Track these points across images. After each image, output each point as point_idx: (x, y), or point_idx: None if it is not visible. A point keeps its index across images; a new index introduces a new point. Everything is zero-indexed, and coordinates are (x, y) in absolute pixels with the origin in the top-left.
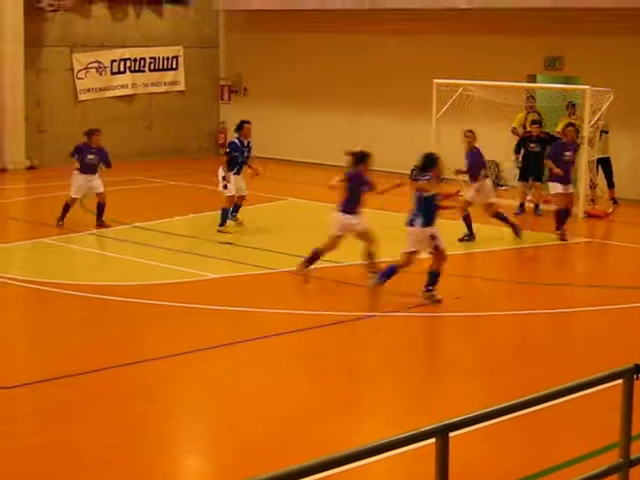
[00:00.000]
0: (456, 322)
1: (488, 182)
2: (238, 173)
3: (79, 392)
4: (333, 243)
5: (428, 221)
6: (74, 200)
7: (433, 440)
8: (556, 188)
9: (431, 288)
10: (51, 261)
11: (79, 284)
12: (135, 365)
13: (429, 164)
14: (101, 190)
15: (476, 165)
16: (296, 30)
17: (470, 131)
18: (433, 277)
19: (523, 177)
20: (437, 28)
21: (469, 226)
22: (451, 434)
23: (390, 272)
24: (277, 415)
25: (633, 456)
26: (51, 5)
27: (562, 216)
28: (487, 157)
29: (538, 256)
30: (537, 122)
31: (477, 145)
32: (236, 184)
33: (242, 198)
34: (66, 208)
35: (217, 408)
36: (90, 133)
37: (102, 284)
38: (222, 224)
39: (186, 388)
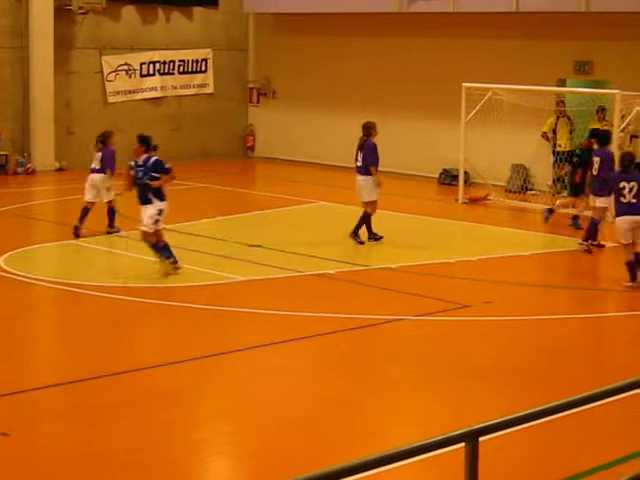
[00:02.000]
0: (486, 326)
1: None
2: (143, 202)
3: (106, 394)
4: None
5: None
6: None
7: (462, 445)
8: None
9: None
10: (79, 262)
11: (106, 286)
12: (161, 367)
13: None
14: None
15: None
16: (325, 33)
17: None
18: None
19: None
20: (467, 32)
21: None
22: (480, 439)
23: None
24: (304, 418)
25: None
26: (81, 8)
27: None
28: (516, 161)
29: (569, 260)
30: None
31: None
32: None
33: (146, 235)
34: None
35: (243, 411)
36: (110, 135)
37: (130, 286)
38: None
39: (212, 391)
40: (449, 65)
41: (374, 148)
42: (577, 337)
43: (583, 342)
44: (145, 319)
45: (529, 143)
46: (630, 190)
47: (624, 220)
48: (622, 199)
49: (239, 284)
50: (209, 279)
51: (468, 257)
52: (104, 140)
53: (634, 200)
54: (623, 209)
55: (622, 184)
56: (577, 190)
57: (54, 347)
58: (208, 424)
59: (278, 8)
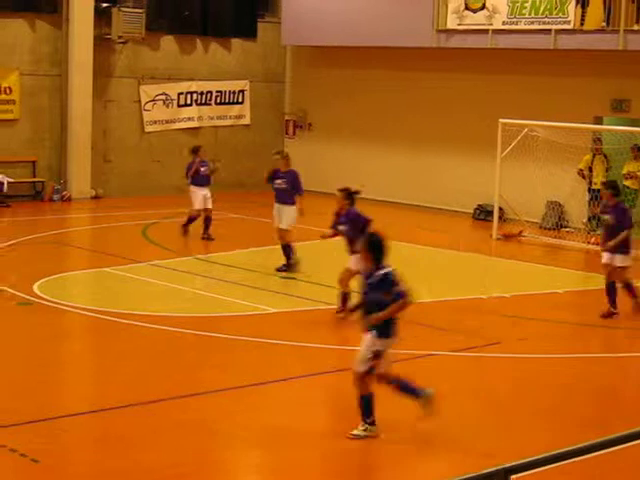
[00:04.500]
0: (518, 363)
1: None
2: None
3: (137, 423)
4: None
5: None
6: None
7: None
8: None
9: None
10: (113, 291)
11: (140, 314)
12: (194, 397)
13: None
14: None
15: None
16: (362, 67)
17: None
18: None
19: None
20: (504, 68)
21: None
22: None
23: None
24: (334, 450)
25: None
26: (120, 37)
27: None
28: (551, 198)
29: (604, 299)
30: None
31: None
32: None
33: None
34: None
35: (274, 442)
36: (198, 149)
37: (162, 315)
38: None
39: (245, 421)
40: (486, 100)
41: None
42: (611, 376)
43: (617, 381)
44: (177, 349)
45: (565, 180)
46: None
47: None
48: None
49: (270, 315)
50: (241, 310)
51: (501, 293)
52: (196, 151)
53: None
54: None
55: None
56: None
57: (86, 375)
58: (242, 453)
59: (316, 41)
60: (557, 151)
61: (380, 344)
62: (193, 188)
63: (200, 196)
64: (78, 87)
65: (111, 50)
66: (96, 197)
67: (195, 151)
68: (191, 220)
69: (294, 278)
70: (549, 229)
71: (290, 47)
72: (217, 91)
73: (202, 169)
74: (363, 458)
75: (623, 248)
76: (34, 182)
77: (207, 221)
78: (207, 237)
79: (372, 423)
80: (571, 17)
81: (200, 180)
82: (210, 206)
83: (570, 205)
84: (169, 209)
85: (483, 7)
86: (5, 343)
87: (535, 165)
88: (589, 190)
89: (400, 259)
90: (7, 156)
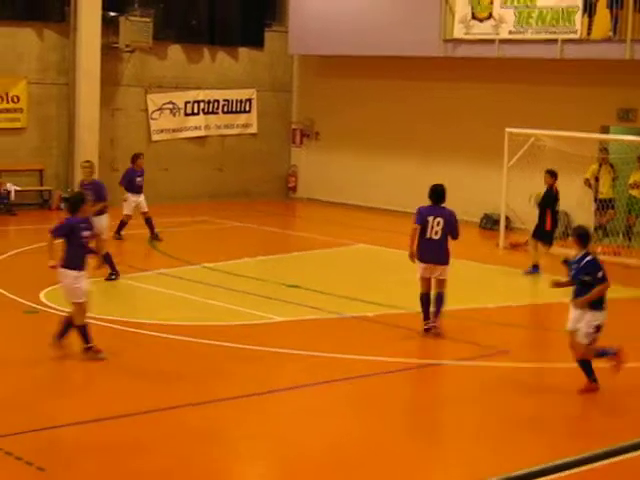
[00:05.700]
0: (525, 372)
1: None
2: None
3: (143, 431)
4: None
5: None
6: (128, 217)
7: None
8: None
9: None
10: (120, 299)
11: (146, 323)
12: (201, 405)
13: None
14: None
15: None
16: (369, 76)
17: (87, 161)
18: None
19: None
20: (511, 77)
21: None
22: None
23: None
24: (339, 461)
25: None
26: (128, 46)
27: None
28: (559, 207)
29: (610, 308)
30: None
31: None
32: None
33: None
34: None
35: (281, 451)
36: (135, 157)
37: (169, 324)
38: None
39: (250, 430)
40: (493, 110)
41: None
42: (620, 385)
43: (626, 390)
44: (184, 357)
45: (571, 190)
46: None
47: None
48: None
49: (277, 324)
50: (247, 319)
51: (508, 303)
52: (133, 160)
53: None
54: None
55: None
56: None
57: (93, 383)
58: (246, 462)
59: (322, 50)
60: (563, 161)
61: None
62: (127, 195)
63: (132, 203)
64: (85, 96)
65: (118, 59)
66: None
67: (133, 160)
68: (122, 225)
69: (297, 286)
70: (556, 238)
71: (297, 56)
72: (224, 100)
73: (138, 179)
74: (366, 470)
75: None
76: (41, 191)
77: (148, 223)
78: (155, 237)
79: None
80: (578, 27)
81: (135, 188)
82: (146, 210)
83: (576, 215)
84: (175, 217)
85: (490, 17)
86: (12, 351)
87: (541, 174)
88: (595, 200)
89: (408, 269)
90: (14, 165)
